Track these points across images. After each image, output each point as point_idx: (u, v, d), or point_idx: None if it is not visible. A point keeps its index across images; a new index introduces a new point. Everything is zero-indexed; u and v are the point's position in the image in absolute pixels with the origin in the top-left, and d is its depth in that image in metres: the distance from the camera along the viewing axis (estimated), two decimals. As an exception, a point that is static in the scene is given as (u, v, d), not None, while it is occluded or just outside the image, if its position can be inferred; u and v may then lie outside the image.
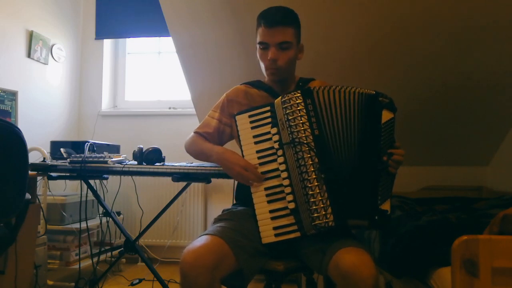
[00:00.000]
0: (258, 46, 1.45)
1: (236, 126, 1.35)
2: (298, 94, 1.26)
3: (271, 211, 1.26)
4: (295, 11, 1.48)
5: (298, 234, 1.23)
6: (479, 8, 1.93)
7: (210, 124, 1.56)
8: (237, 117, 1.35)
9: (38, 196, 2.27)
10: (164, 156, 2.07)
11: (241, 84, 1.60)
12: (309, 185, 1.21)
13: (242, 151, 1.34)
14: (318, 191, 1.20)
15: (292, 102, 1.26)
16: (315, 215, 1.20)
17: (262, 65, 1.49)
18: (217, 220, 1.41)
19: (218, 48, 2.37)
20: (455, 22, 2.01)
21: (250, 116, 1.33)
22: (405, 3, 1.97)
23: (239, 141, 1.35)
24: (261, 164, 1.30)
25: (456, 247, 0.97)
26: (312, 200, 1.20)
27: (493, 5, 1.91)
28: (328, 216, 1.19)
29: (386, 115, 1.27)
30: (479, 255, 0.96)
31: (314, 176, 1.21)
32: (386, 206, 1.25)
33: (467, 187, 2.49)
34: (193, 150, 1.56)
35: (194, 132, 1.59)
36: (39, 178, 2.20)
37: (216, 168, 1.77)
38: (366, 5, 2.01)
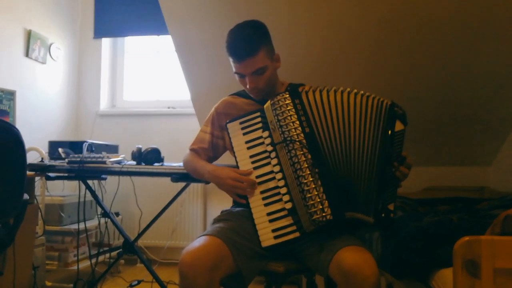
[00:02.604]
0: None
1: (228, 134, 1.36)
2: (287, 95, 1.29)
3: (268, 214, 1.26)
4: (264, 24, 1.41)
5: (297, 234, 1.22)
6: (479, 8, 1.92)
7: (204, 139, 1.56)
8: (229, 125, 1.36)
9: (36, 197, 2.26)
10: (163, 156, 2.07)
11: (227, 96, 1.60)
12: (304, 181, 1.21)
13: (235, 157, 1.34)
14: (313, 186, 1.21)
15: (281, 103, 1.28)
16: (313, 210, 1.19)
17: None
18: (216, 220, 1.41)
19: (218, 47, 2.34)
20: (455, 23, 2.00)
21: (241, 123, 1.35)
22: (405, 4, 1.96)
23: (232, 149, 1.36)
24: (255, 168, 1.30)
25: (458, 248, 0.96)
26: (309, 195, 1.20)
27: (494, 5, 1.90)
28: (326, 210, 1.19)
29: (398, 126, 1.30)
30: (481, 256, 0.95)
31: (308, 172, 1.21)
32: (390, 207, 1.27)
33: (469, 187, 2.47)
34: (189, 169, 1.57)
35: (190, 149, 1.59)
36: (37, 178, 2.20)
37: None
38: (365, 7, 1.99)
